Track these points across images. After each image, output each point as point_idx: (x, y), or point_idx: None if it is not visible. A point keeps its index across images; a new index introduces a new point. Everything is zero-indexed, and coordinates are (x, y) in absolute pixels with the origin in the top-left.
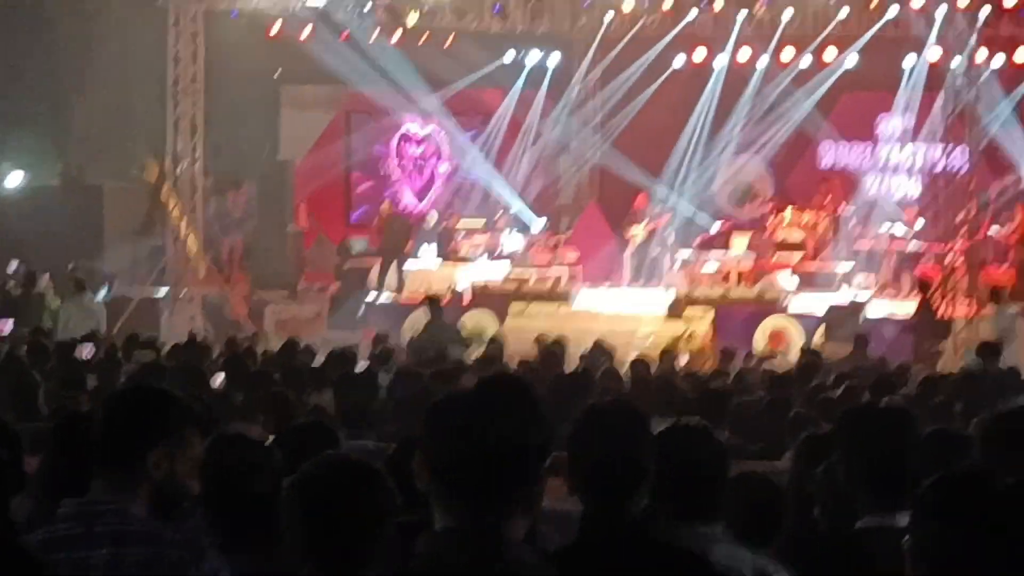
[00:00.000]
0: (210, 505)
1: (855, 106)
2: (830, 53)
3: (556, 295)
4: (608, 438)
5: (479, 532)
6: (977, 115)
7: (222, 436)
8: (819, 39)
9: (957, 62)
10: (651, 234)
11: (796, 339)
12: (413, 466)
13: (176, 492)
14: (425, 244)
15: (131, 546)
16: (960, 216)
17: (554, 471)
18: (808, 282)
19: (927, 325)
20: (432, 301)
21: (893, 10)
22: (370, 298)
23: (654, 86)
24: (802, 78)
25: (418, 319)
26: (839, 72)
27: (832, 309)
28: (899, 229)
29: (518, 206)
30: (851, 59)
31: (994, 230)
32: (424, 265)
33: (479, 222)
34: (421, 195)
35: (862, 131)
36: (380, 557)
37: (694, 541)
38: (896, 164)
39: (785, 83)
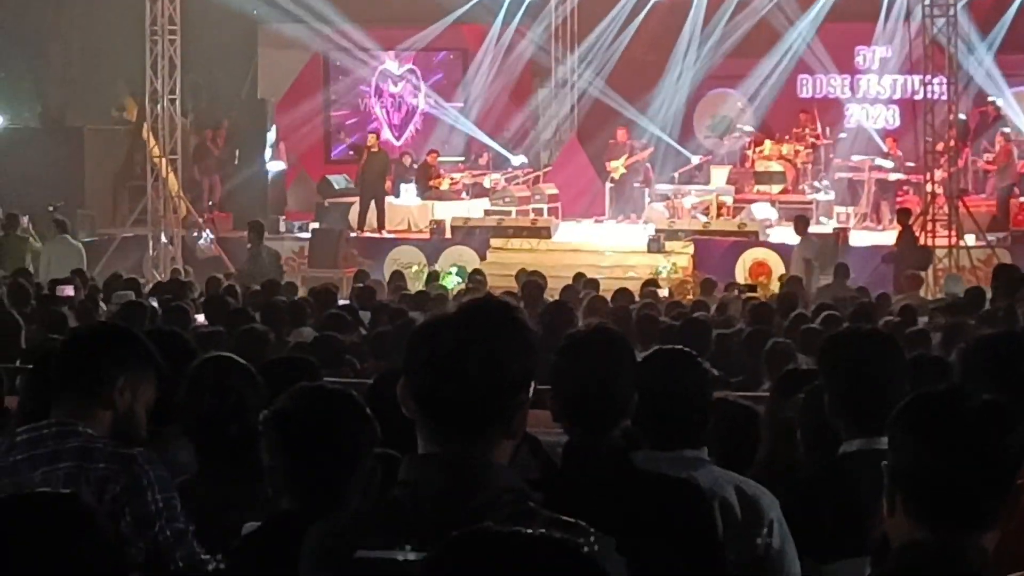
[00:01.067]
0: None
1: (834, 37)
2: None
3: (537, 230)
4: (591, 366)
5: (463, 457)
6: (953, 45)
7: (208, 359)
8: None
9: None
10: (631, 168)
11: (776, 270)
12: (397, 393)
13: (133, 427)
14: (403, 182)
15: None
16: (940, 146)
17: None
18: (788, 213)
19: (908, 254)
20: (254, 226)
21: None
22: (352, 235)
23: (637, 20)
24: (781, 9)
25: (401, 254)
26: (818, 3)
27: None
28: (879, 159)
29: (495, 143)
30: None
31: (979, 158)
32: (404, 202)
33: (458, 159)
34: (400, 133)
35: (841, 62)
36: (358, 487)
37: (679, 465)
38: (876, 94)
39: (764, 12)
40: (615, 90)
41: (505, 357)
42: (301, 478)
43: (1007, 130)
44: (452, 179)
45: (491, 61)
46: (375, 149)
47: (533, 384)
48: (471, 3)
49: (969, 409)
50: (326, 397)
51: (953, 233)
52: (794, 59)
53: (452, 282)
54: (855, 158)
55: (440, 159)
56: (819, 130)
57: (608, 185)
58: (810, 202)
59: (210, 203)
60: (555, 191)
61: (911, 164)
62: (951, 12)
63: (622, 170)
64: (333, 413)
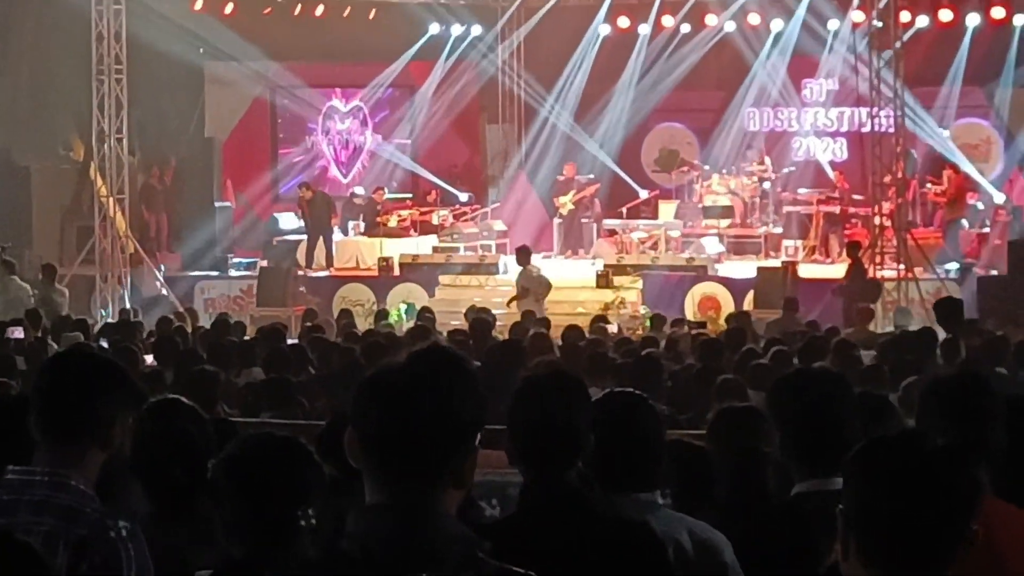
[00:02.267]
0: (141, 473)
1: (780, 70)
2: (754, 18)
3: (485, 267)
4: (546, 408)
5: (412, 506)
6: (901, 77)
7: (157, 403)
8: (739, 3)
9: (880, 24)
10: (579, 204)
11: (726, 305)
12: (344, 442)
13: (121, 463)
14: (351, 219)
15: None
16: (887, 178)
17: (492, 443)
18: (736, 247)
19: (858, 287)
20: (45, 268)
21: None
22: (300, 273)
23: (589, 54)
24: (725, 43)
25: (349, 292)
26: (769, 36)
27: (762, 272)
28: (826, 192)
29: (440, 180)
30: (776, 24)
31: (928, 188)
32: (352, 239)
33: (405, 196)
34: (347, 170)
35: (787, 95)
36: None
37: (633, 509)
38: (823, 126)
39: (708, 48)
40: (562, 125)
41: (455, 406)
42: (251, 525)
43: (956, 164)
44: (400, 216)
45: (437, 97)
46: (309, 197)
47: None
48: (420, 42)
49: (923, 454)
50: (274, 444)
51: (902, 265)
52: (742, 92)
53: (395, 316)
54: (802, 192)
55: (387, 196)
56: (767, 164)
57: (556, 220)
58: (759, 235)
59: (157, 241)
60: (503, 227)
61: (859, 197)
62: (897, 45)
63: (570, 206)
64: (281, 460)
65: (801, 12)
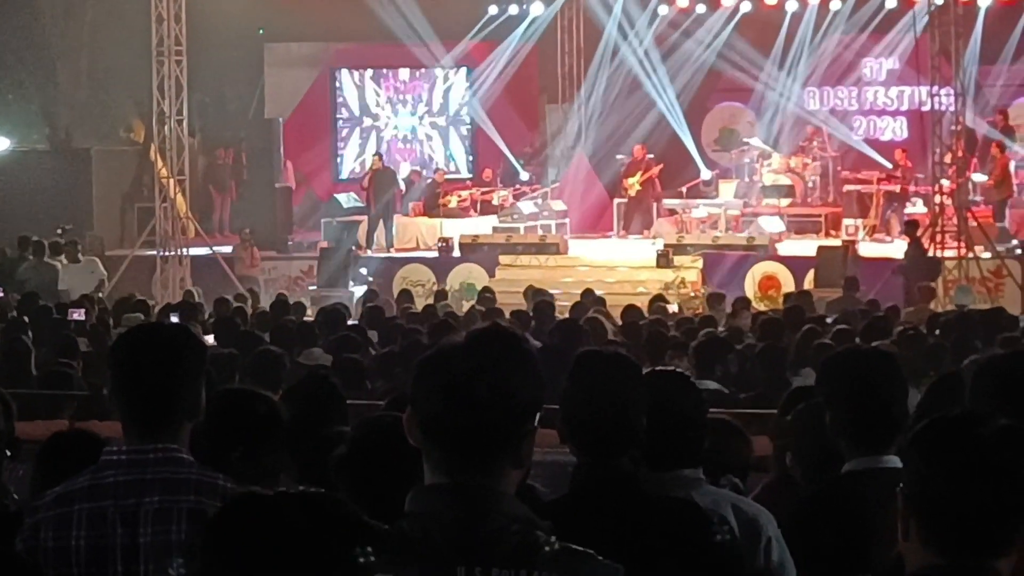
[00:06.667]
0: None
1: (840, 48)
2: None
3: (545, 246)
4: (602, 392)
5: (471, 486)
6: (961, 55)
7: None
8: None
9: (940, 2)
10: (647, 184)
11: (786, 284)
12: (403, 422)
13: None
14: (411, 200)
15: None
16: (948, 157)
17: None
18: (796, 226)
19: (917, 266)
20: (23, 241)
21: None
22: (360, 254)
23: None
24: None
25: (409, 272)
26: (828, 15)
27: (822, 251)
28: (886, 171)
29: (506, 158)
30: (835, 3)
31: (977, 177)
32: (412, 219)
33: (465, 177)
34: (406, 151)
35: (848, 74)
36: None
37: (678, 485)
38: (883, 106)
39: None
40: (617, 110)
41: (514, 386)
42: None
43: (1005, 142)
44: (460, 196)
45: (497, 78)
46: (379, 168)
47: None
48: (480, 23)
49: (984, 434)
50: (389, 428)
51: (962, 244)
52: (803, 71)
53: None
54: (863, 170)
55: (447, 176)
56: (826, 142)
57: (616, 201)
58: (820, 215)
59: (220, 222)
60: (563, 207)
61: (920, 176)
62: (957, 23)
63: (637, 187)
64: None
65: None
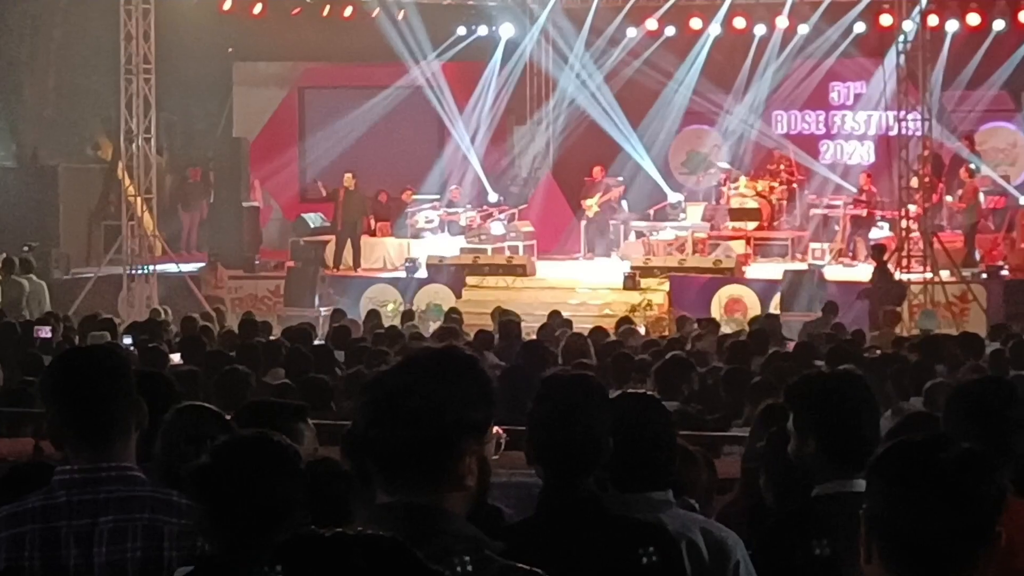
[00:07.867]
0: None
1: (807, 73)
2: (782, 21)
3: (512, 268)
4: (567, 414)
5: (413, 507)
6: (929, 79)
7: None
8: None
9: (909, 27)
10: (604, 206)
11: (752, 307)
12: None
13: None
14: (378, 220)
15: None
16: (914, 181)
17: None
18: (763, 250)
19: (883, 290)
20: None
21: None
22: (326, 274)
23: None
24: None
25: (376, 292)
26: (793, 40)
27: (789, 275)
28: (852, 195)
29: (473, 180)
30: (803, 27)
31: (948, 200)
32: (379, 239)
33: (432, 197)
34: (377, 171)
35: (815, 98)
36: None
37: (647, 507)
38: (850, 130)
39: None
40: (589, 129)
41: (442, 402)
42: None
43: (972, 166)
44: (427, 217)
45: (465, 98)
46: (351, 188)
47: (497, 430)
48: (448, 43)
49: (947, 458)
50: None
51: (928, 269)
52: (769, 95)
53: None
54: (829, 195)
55: (415, 196)
56: (793, 166)
57: (583, 222)
58: (786, 238)
59: (187, 241)
60: (531, 228)
61: (886, 200)
62: (925, 48)
63: (595, 208)
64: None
65: (828, 15)
